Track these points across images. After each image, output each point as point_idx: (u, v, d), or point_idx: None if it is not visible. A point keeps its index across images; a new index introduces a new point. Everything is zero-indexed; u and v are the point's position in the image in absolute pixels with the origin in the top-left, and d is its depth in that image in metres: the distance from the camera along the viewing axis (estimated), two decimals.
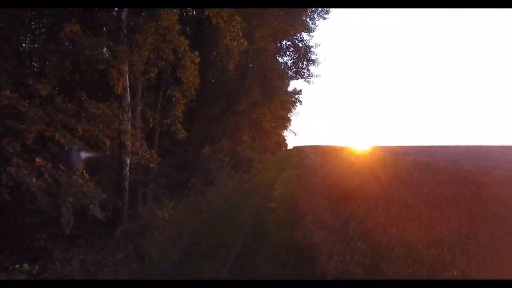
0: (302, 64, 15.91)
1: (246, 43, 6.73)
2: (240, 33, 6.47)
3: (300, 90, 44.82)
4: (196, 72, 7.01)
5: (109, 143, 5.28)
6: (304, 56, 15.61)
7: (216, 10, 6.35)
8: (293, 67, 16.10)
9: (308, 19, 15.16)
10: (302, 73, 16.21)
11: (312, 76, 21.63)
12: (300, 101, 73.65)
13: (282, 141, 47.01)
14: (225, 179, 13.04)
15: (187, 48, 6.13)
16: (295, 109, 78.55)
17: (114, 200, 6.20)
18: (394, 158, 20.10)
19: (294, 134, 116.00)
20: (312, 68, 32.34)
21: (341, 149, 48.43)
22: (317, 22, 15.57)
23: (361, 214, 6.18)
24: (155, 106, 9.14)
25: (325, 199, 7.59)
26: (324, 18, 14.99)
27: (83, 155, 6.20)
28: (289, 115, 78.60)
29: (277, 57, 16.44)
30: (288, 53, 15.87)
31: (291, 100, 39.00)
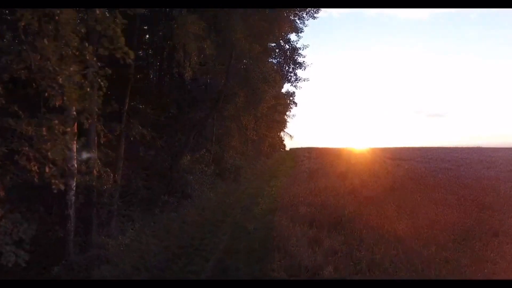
0: (289, 67, 15.02)
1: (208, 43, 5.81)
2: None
3: (294, 93, 44.04)
4: None
5: (36, 167, 4.35)
6: (290, 58, 14.72)
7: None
8: (279, 71, 15.19)
9: (296, 19, 14.30)
10: (289, 77, 15.33)
11: (299, 80, 20.74)
12: (295, 103, 71.06)
13: (277, 144, 46.08)
14: (206, 192, 12.14)
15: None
16: (290, 111, 76.65)
17: (54, 231, 5.28)
18: (395, 165, 19.30)
19: (290, 137, 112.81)
20: (299, 72, 31.48)
21: (338, 151, 47.66)
22: (306, 21, 14.72)
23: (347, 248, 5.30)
24: (120, 116, 8.21)
25: (307, 225, 6.69)
26: (314, 18, 14.12)
27: None
28: (285, 117, 77.25)
29: (269, 60, 15.55)
30: (273, 55, 14.96)
31: (284, 102, 38.30)
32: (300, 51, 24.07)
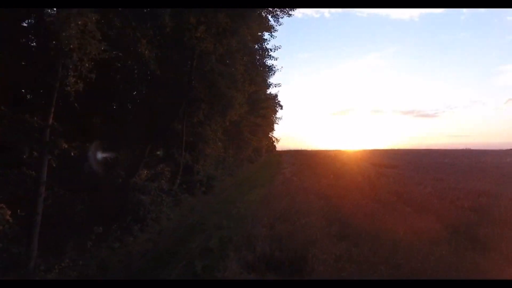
0: (256, 70, 13.68)
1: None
2: None
3: (276, 95, 43.10)
4: None
5: None
6: (259, 61, 13.39)
7: None
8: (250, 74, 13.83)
9: (270, 16, 13.02)
10: (256, 82, 13.98)
11: (270, 86, 19.23)
12: (281, 106, 70.20)
13: (263, 147, 44.80)
14: (165, 212, 10.70)
15: None
16: (275, 114, 75.97)
17: None
18: (381, 174, 18.13)
19: (276, 140, 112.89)
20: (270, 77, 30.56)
21: (326, 155, 46.75)
22: (280, 19, 13.45)
23: None
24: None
25: (261, 271, 5.35)
26: (290, 15, 12.84)
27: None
28: (273, 119, 76.70)
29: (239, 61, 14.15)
30: (243, 57, 13.61)
31: (267, 105, 36.98)
32: (271, 53, 22.70)
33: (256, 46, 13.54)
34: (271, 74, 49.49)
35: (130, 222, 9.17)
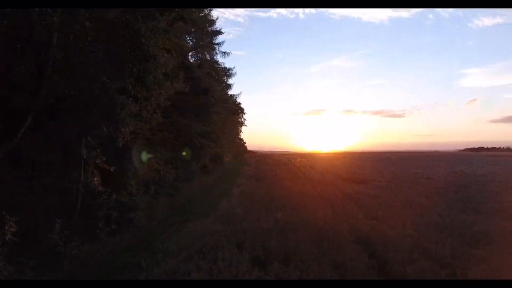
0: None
1: None
2: None
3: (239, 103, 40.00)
4: None
5: None
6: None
7: None
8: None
9: None
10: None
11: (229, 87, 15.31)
12: (242, 110, 66.71)
13: (224, 154, 40.76)
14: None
15: None
16: (240, 119, 73.26)
17: None
18: (349, 198, 14.73)
19: (243, 142, 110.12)
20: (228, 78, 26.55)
21: (294, 159, 43.88)
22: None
23: None
24: None
25: None
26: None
27: None
28: (239, 120, 73.18)
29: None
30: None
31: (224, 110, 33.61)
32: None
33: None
34: (228, 75, 45.78)
35: None
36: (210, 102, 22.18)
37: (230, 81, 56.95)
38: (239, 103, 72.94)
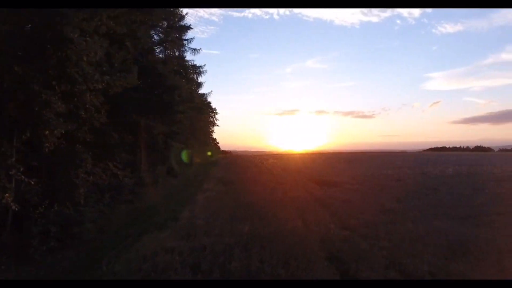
0: None
1: None
2: None
3: (209, 102, 38.86)
4: None
5: None
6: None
7: None
8: None
9: None
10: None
11: (199, 85, 14.13)
12: (214, 109, 65.27)
13: (192, 156, 39.07)
14: None
15: None
16: (212, 118, 71.80)
17: None
18: (321, 203, 13.94)
19: (216, 143, 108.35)
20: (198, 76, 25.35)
21: (267, 160, 43.13)
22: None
23: None
24: None
25: None
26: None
27: None
28: (210, 120, 71.35)
29: None
30: None
31: (199, 106, 32.33)
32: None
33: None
34: (198, 73, 44.15)
35: None
36: (175, 101, 20.69)
37: (200, 79, 55.17)
38: (210, 102, 71.11)
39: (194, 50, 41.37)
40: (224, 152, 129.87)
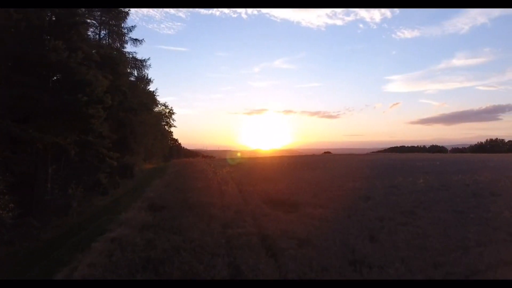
0: None
1: None
2: None
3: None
4: None
5: None
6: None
7: None
8: None
9: None
10: None
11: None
12: (171, 111, 59.55)
13: (133, 165, 33.62)
14: None
15: None
16: (168, 119, 66.67)
17: None
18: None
19: (177, 144, 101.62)
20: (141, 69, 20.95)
21: (224, 164, 38.83)
22: None
23: None
24: None
25: None
26: None
27: None
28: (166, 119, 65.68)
29: None
30: None
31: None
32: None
33: None
34: (139, 67, 38.70)
35: None
36: (83, 102, 15.64)
37: (147, 74, 49.32)
38: (159, 101, 64.74)
39: (136, 41, 35.94)
40: (189, 152, 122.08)
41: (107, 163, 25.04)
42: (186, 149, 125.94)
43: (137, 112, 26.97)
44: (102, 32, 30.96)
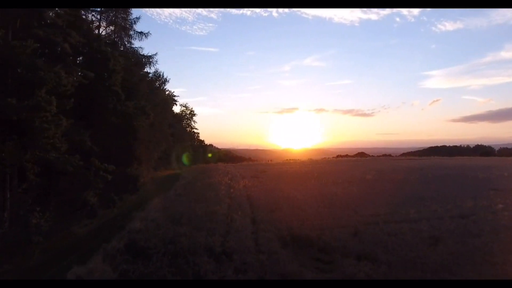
0: None
1: None
2: None
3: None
4: None
5: None
6: None
7: None
8: None
9: None
10: None
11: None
12: (190, 111, 55.04)
13: (137, 177, 29.78)
14: None
15: None
16: (189, 121, 62.78)
17: None
18: None
19: (203, 144, 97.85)
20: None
21: (256, 166, 34.43)
22: None
23: None
24: None
25: None
26: None
27: None
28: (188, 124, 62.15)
29: None
30: None
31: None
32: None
33: None
34: (144, 64, 34.90)
35: None
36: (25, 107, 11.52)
37: (162, 73, 45.92)
38: (178, 101, 61.14)
39: (141, 34, 32.15)
40: (220, 151, 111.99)
41: (100, 177, 21.34)
42: (217, 148, 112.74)
43: (132, 117, 23.05)
44: (102, 25, 27.52)
